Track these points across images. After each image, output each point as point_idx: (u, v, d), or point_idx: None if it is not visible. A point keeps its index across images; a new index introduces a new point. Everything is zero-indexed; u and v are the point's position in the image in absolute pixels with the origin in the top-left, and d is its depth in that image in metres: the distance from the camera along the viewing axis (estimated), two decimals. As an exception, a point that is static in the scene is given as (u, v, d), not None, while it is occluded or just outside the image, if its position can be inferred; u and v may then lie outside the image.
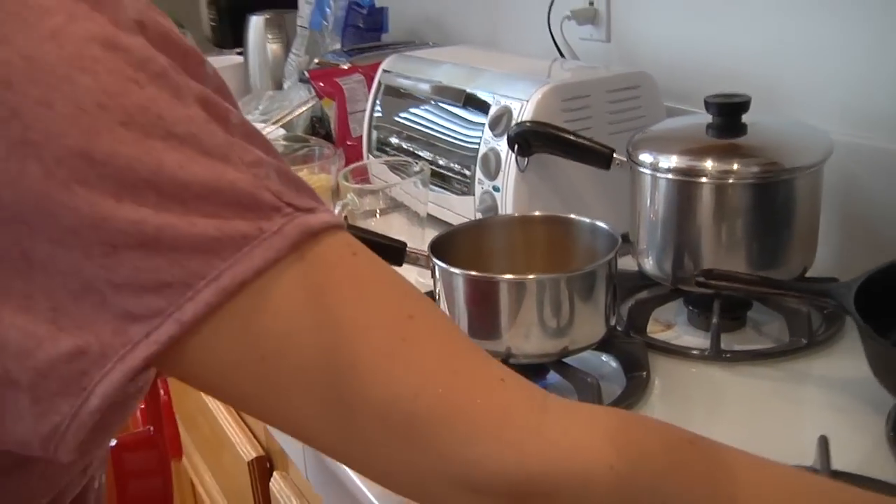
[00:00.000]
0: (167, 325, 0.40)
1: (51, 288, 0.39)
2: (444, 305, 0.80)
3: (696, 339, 0.89)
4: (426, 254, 0.81)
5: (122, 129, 0.39)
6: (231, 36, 2.16)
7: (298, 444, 0.81)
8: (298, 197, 0.43)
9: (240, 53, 2.06)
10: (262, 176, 0.42)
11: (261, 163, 0.43)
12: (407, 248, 0.83)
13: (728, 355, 0.85)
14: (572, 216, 0.87)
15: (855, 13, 0.97)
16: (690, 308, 0.93)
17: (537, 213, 0.91)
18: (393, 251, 0.82)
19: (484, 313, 0.78)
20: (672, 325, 0.93)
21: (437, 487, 0.44)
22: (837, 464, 0.64)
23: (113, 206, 0.38)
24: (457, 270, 0.78)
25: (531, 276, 0.77)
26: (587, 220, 0.86)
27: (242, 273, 0.40)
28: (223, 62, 2.02)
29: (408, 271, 0.78)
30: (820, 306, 0.87)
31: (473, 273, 0.77)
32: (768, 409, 0.77)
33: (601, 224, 0.85)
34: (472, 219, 1.09)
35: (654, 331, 0.92)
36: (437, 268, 0.79)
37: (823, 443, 0.64)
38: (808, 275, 0.92)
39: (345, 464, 0.46)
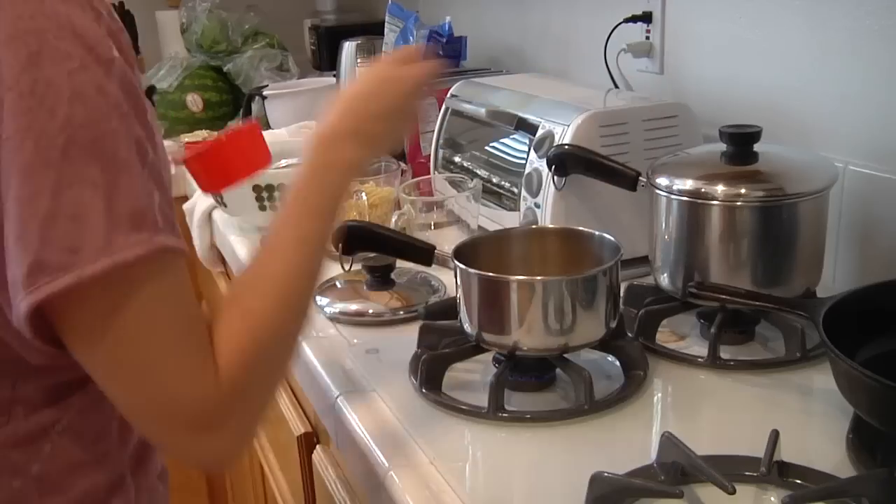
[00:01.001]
0: (66, 278, 0.57)
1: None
2: (462, 303, 0.91)
3: (702, 350, 0.96)
4: (457, 273, 0.91)
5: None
6: (328, 59, 2.33)
7: (332, 419, 0.93)
8: (165, 225, 0.61)
9: (335, 75, 2.22)
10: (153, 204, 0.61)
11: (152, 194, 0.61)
12: (435, 251, 0.94)
13: (727, 363, 0.92)
14: (581, 228, 0.96)
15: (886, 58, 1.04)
16: (701, 321, 1.01)
17: (551, 226, 1.01)
18: (423, 252, 0.93)
19: (495, 310, 0.88)
20: (685, 337, 1.01)
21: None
22: (792, 457, 0.71)
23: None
24: (473, 271, 0.88)
25: (538, 278, 0.87)
26: (595, 233, 0.95)
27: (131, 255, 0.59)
28: (320, 82, 2.19)
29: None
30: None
31: (487, 274, 0.88)
32: (746, 410, 0.85)
33: (607, 236, 0.94)
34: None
35: (668, 340, 1.00)
36: (457, 269, 0.90)
37: (774, 435, 0.72)
38: (818, 296, 0.99)
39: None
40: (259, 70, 2.25)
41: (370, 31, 2.20)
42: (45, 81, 0.57)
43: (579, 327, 0.87)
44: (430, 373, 0.90)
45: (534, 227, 1.08)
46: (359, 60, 2.02)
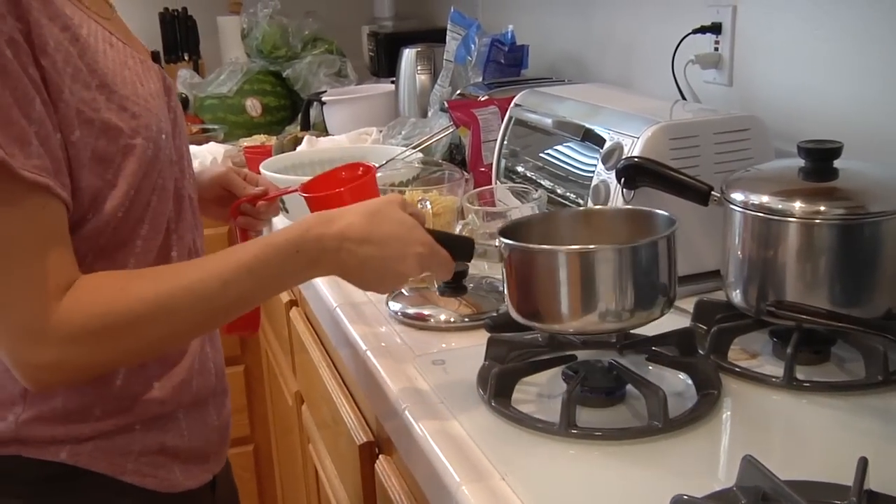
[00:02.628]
0: None
1: None
2: (510, 286, 0.89)
3: (776, 369, 0.94)
4: (494, 245, 0.90)
5: None
6: (387, 66, 2.34)
7: (398, 431, 0.92)
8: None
9: (393, 82, 2.23)
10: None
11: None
12: (475, 243, 0.92)
13: (802, 384, 0.90)
14: (630, 206, 0.94)
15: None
16: (774, 340, 0.99)
17: (599, 207, 0.99)
18: (464, 244, 0.91)
19: (544, 288, 0.86)
20: (757, 355, 0.99)
21: None
22: (879, 486, 0.69)
23: None
24: (522, 244, 0.87)
25: (591, 247, 0.85)
26: (646, 209, 0.94)
27: None
28: (378, 89, 2.19)
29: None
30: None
31: (535, 246, 0.87)
32: (825, 435, 0.82)
33: (659, 211, 0.92)
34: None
35: (739, 359, 0.98)
36: (505, 246, 0.88)
37: (862, 463, 0.69)
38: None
39: None
40: (318, 76, 2.27)
41: (429, 38, 2.20)
42: None
43: (637, 306, 0.85)
44: (499, 386, 0.89)
45: (582, 209, 1.06)
46: (418, 68, 2.02)
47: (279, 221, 1.44)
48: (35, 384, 0.77)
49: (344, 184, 1.13)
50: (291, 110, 2.35)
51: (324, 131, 2.13)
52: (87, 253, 0.80)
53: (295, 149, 1.84)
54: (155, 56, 0.92)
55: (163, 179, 0.85)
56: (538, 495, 0.74)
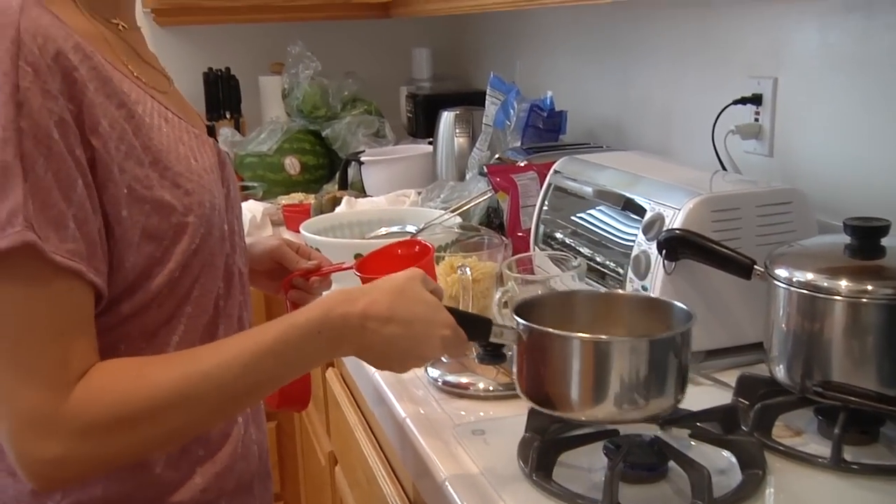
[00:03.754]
0: None
1: None
2: (519, 366, 0.89)
3: (821, 448, 0.92)
4: (511, 328, 0.89)
5: None
6: (425, 127, 2.37)
7: (441, 502, 0.92)
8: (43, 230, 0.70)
9: (430, 143, 2.26)
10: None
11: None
12: (492, 324, 0.92)
13: (851, 466, 0.88)
14: (651, 295, 0.94)
15: None
16: (819, 418, 0.97)
17: (620, 291, 0.99)
18: (481, 324, 0.91)
19: (556, 372, 0.86)
20: (801, 433, 0.97)
21: None
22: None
23: None
24: (534, 326, 0.86)
25: (604, 337, 0.85)
26: (665, 300, 0.93)
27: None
28: (416, 150, 2.22)
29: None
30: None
31: (550, 330, 0.86)
32: (878, 521, 0.81)
33: (678, 303, 0.92)
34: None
35: (783, 436, 0.96)
36: (519, 326, 0.88)
37: (916, 554, 0.68)
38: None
39: None
40: (356, 135, 2.30)
41: (466, 100, 2.23)
42: None
43: (652, 397, 0.84)
44: (541, 460, 0.88)
45: (602, 291, 1.06)
46: (457, 130, 2.04)
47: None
48: (38, 481, 0.73)
49: (400, 261, 1.11)
50: (329, 169, 2.38)
51: (361, 190, 2.15)
52: (129, 331, 0.80)
53: (333, 209, 1.86)
54: (210, 130, 0.93)
55: (212, 256, 0.85)
56: (582, 577, 0.73)
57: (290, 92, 2.40)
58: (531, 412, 0.96)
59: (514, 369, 0.90)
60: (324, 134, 2.37)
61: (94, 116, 0.74)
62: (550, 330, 0.86)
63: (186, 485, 0.84)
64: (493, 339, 0.89)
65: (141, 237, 0.78)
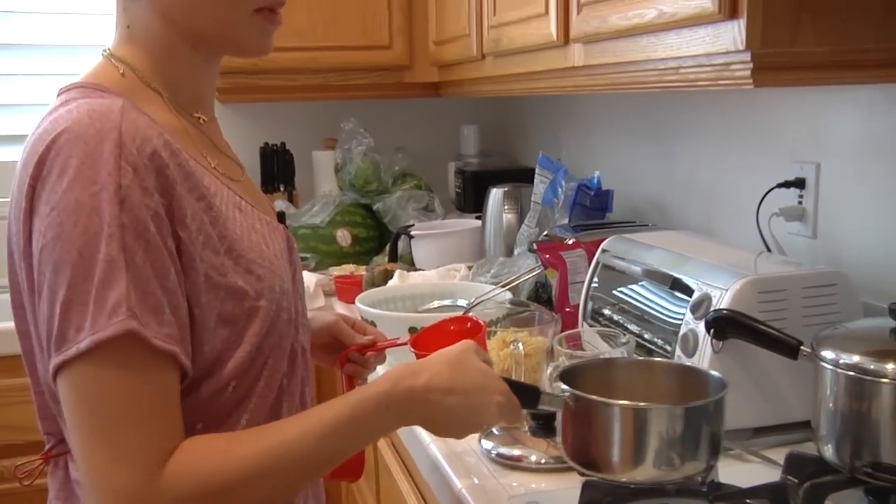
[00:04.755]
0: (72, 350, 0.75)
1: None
2: (564, 430, 0.94)
3: (871, 529, 0.95)
4: (559, 395, 0.94)
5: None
6: (472, 201, 2.45)
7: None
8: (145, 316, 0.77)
9: (478, 217, 2.32)
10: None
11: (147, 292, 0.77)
12: (541, 392, 0.97)
13: (899, 547, 0.91)
14: (687, 363, 0.98)
15: None
16: (870, 498, 0.99)
17: (658, 359, 1.03)
18: (530, 392, 0.96)
19: (601, 436, 0.91)
20: (850, 513, 1.00)
21: None
22: None
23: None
24: (579, 392, 0.92)
25: (643, 404, 0.89)
26: (700, 369, 0.98)
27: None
28: (464, 224, 2.29)
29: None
30: None
31: (594, 397, 0.91)
32: None
33: (714, 373, 0.96)
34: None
35: (832, 515, 0.99)
36: (565, 393, 0.93)
37: None
38: None
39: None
40: (406, 210, 2.38)
41: (513, 177, 2.30)
42: (75, 200, 0.75)
43: (685, 460, 0.88)
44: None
45: (640, 358, 1.11)
46: (505, 207, 2.11)
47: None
48: None
49: (453, 337, 1.15)
50: (379, 241, 2.46)
51: (410, 263, 2.22)
52: (206, 412, 0.85)
53: (385, 281, 1.92)
54: (280, 216, 1.00)
55: (281, 338, 0.91)
56: None
57: (342, 166, 2.50)
58: (585, 484, 1.00)
59: (560, 433, 0.94)
60: (375, 207, 2.45)
61: (182, 209, 0.80)
62: (594, 397, 0.91)
63: None
64: (541, 406, 0.95)
65: (217, 322, 0.83)
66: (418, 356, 1.11)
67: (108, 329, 0.74)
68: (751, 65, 1.04)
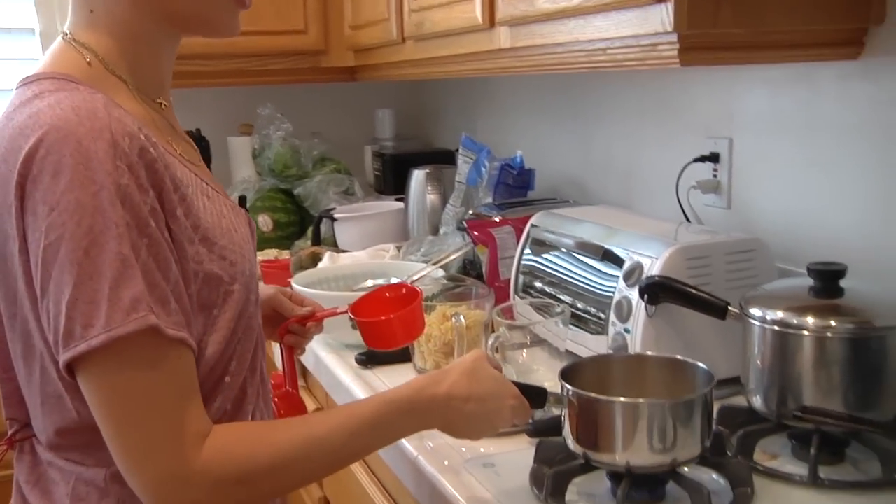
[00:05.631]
0: (82, 346, 0.76)
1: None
2: (571, 423, 0.99)
3: (797, 469, 1.04)
4: (565, 395, 1.00)
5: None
6: (392, 184, 2.48)
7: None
8: (161, 310, 0.79)
9: (398, 199, 2.36)
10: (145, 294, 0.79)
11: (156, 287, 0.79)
12: (548, 392, 1.04)
13: (825, 483, 1.00)
14: (678, 357, 1.06)
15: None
16: (793, 442, 1.09)
17: (650, 353, 1.11)
18: (540, 394, 1.03)
19: (603, 430, 0.97)
20: (777, 456, 1.09)
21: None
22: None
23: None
24: (582, 392, 0.98)
25: (641, 400, 0.96)
26: (690, 361, 1.05)
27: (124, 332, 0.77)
28: (386, 206, 2.32)
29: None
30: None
31: (596, 395, 0.97)
32: (855, 528, 0.92)
33: (701, 365, 1.03)
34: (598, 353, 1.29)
35: (762, 460, 1.07)
36: (566, 390, 0.99)
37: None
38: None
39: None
40: (327, 193, 2.39)
41: (432, 159, 2.35)
42: (76, 200, 0.75)
43: (681, 446, 0.95)
44: (555, 486, 0.97)
45: (634, 354, 1.17)
46: (428, 188, 2.15)
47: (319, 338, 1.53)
48: None
49: (389, 304, 1.22)
50: (300, 226, 2.46)
51: (333, 246, 2.24)
52: None
53: (314, 264, 1.94)
54: (241, 201, 1.02)
55: (250, 319, 0.94)
56: (608, 584, 0.82)
57: (260, 152, 2.49)
58: (540, 444, 1.06)
59: (566, 425, 1.01)
60: (295, 192, 2.45)
61: (171, 202, 0.82)
62: (594, 395, 0.98)
63: None
64: (548, 406, 1.04)
65: (196, 309, 0.85)
66: (359, 323, 1.17)
67: (128, 325, 0.76)
68: (677, 45, 1.11)
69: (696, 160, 1.56)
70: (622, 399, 0.97)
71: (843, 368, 1.04)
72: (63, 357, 0.77)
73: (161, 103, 0.95)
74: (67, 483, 0.88)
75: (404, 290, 1.28)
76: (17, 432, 0.93)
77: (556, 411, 1.17)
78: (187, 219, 0.85)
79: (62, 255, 0.76)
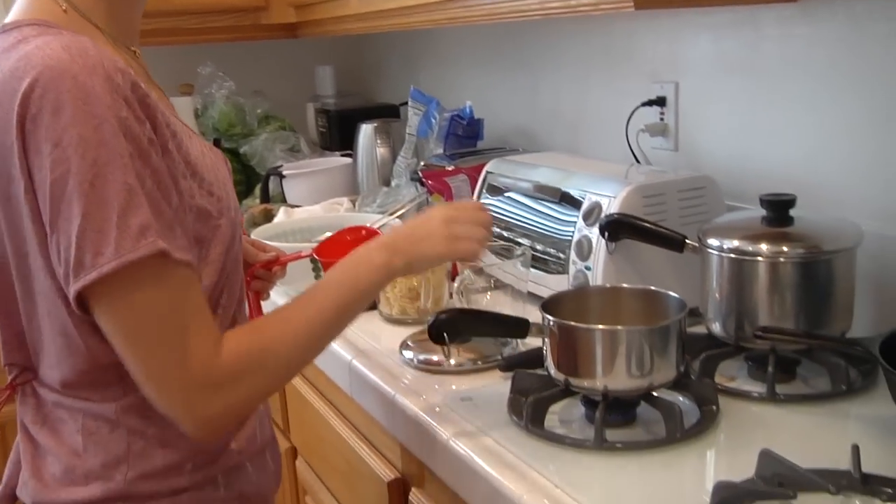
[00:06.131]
0: (92, 274, 0.78)
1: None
2: (552, 352, 1.04)
3: (754, 387, 1.11)
4: (546, 325, 1.05)
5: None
6: (339, 140, 2.49)
7: (445, 461, 1.05)
8: (167, 237, 0.81)
9: (344, 155, 2.37)
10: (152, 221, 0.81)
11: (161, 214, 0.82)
12: (530, 322, 1.08)
13: (781, 398, 1.07)
14: (652, 288, 1.11)
15: (890, 124, 1.23)
16: (750, 363, 1.16)
17: (625, 285, 1.16)
18: (519, 324, 1.07)
19: (584, 357, 1.02)
20: (735, 378, 1.15)
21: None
22: (867, 468, 0.86)
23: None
24: (562, 321, 1.02)
25: (620, 327, 1.01)
26: (663, 291, 1.10)
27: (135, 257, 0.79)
28: (334, 162, 2.33)
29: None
30: (857, 360, 1.09)
31: (577, 324, 1.02)
32: (811, 434, 0.99)
33: (673, 294, 1.09)
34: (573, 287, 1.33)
35: (720, 382, 1.14)
36: (548, 321, 1.04)
37: (855, 450, 0.86)
38: (846, 339, 1.14)
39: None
40: (274, 151, 2.39)
41: (377, 113, 2.36)
42: (78, 135, 0.77)
43: (658, 371, 1.01)
44: (535, 413, 1.02)
45: (609, 286, 1.22)
46: (378, 141, 2.17)
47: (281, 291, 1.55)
48: (208, 434, 0.87)
49: (351, 246, 1.25)
50: (246, 185, 2.46)
51: (282, 202, 2.24)
52: None
53: (267, 220, 1.95)
54: (216, 142, 1.07)
55: (237, 253, 0.97)
56: (594, 498, 0.88)
57: (203, 111, 2.47)
58: (516, 375, 1.11)
59: (548, 354, 1.05)
60: (241, 151, 2.44)
61: (163, 136, 0.84)
62: (574, 324, 1.02)
63: (226, 450, 0.96)
64: (530, 336, 1.07)
65: (191, 242, 0.87)
66: (323, 264, 1.23)
67: (137, 251, 0.78)
68: (632, -11, 1.16)
69: (643, 104, 1.62)
70: (602, 326, 1.01)
71: (796, 291, 1.11)
72: (74, 287, 0.79)
73: (134, 51, 0.96)
74: (76, 420, 0.90)
75: (364, 232, 1.32)
76: (17, 377, 0.95)
77: (522, 348, 1.23)
78: (178, 153, 0.87)
79: (69, 188, 0.77)
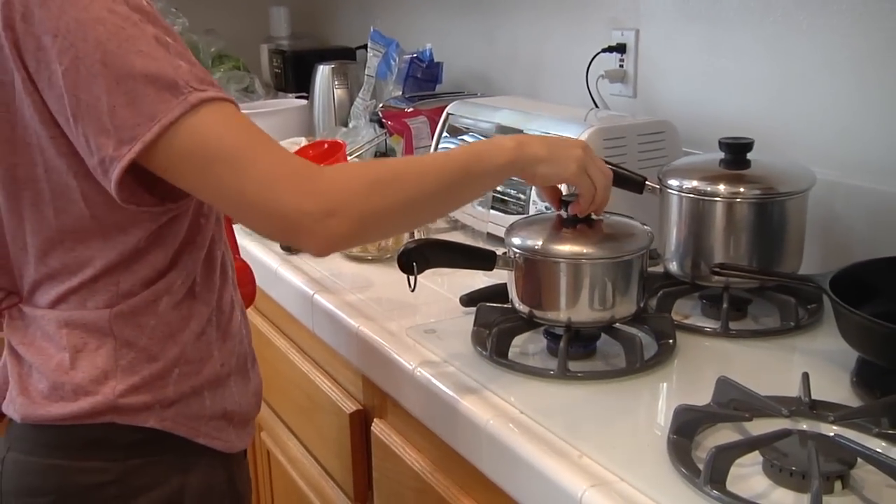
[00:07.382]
0: (137, 146, 0.79)
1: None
2: (517, 282, 1.06)
3: (708, 324, 1.15)
4: (512, 257, 1.06)
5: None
6: (294, 82, 2.46)
7: (411, 391, 1.07)
8: (199, 84, 0.80)
9: (299, 97, 2.35)
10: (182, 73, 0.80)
11: (180, 67, 0.80)
12: (497, 255, 1.09)
13: (733, 332, 1.11)
14: (618, 216, 1.13)
15: (844, 75, 1.26)
16: (704, 301, 1.20)
17: (592, 216, 1.17)
18: (486, 256, 1.08)
19: (547, 287, 1.04)
20: (689, 316, 1.19)
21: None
22: (815, 396, 0.90)
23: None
24: (529, 243, 1.04)
25: (584, 259, 1.03)
26: (631, 220, 1.11)
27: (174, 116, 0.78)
28: (290, 103, 2.31)
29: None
30: (805, 299, 1.14)
31: (542, 255, 1.03)
32: (762, 366, 1.04)
33: (644, 225, 1.10)
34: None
35: (675, 319, 1.18)
36: (514, 252, 1.05)
37: (805, 377, 0.90)
38: (795, 279, 1.19)
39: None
40: (228, 91, 2.35)
41: (332, 56, 2.34)
42: (74, 20, 0.77)
43: (619, 304, 1.04)
44: (499, 344, 1.05)
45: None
46: (335, 83, 2.15)
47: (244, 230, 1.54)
48: (329, 246, 0.84)
49: (316, 160, 1.25)
50: (199, 124, 2.42)
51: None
52: (176, 240, 0.92)
53: (223, 159, 1.93)
54: None
55: None
56: (558, 421, 0.91)
57: (154, 48, 2.41)
58: (480, 308, 1.13)
59: (513, 287, 1.07)
60: (193, 90, 2.40)
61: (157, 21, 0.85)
62: (542, 255, 1.04)
63: (210, 359, 0.97)
64: (497, 268, 1.08)
65: None
66: None
67: (172, 111, 0.78)
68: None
69: (603, 51, 1.63)
70: (566, 259, 1.03)
71: (751, 230, 1.14)
72: (121, 163, 0.79)
73: None
74: (63, 337, 0.90)
75: (326, 146, 1.31)
76: (2, 300, 0.94)
77: (480, 285, 1.25)
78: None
79: (82, 74, 0.77)
